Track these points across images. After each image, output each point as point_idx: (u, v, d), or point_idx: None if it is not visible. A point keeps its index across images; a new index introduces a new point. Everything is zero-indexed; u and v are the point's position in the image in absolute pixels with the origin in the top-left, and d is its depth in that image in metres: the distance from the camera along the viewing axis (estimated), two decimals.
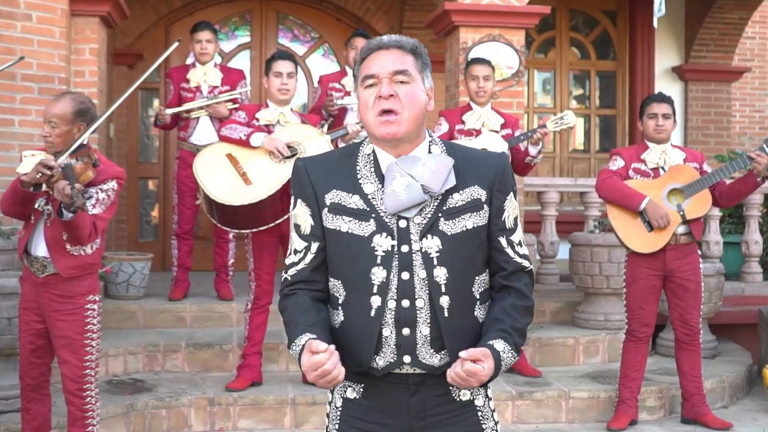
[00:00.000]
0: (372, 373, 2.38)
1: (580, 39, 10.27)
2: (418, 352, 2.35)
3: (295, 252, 2.46)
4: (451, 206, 2.38)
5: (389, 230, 2.35)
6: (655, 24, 7.37)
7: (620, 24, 10.28)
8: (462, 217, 2.38)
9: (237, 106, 6.72)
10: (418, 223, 2.36)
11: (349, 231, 2.38)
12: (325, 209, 2.41)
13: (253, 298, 5.70)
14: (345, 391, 2.47)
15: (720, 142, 10.17)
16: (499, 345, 2.34)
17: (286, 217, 5.45)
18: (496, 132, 6.02)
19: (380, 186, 2.39)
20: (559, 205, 8.09)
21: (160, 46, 9.28)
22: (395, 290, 2.34)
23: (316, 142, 5.53)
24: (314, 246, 2.43)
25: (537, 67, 10.19)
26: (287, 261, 2.48)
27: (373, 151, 2.44)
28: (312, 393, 5.61)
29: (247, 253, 5.73)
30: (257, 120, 5.63)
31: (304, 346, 2.26)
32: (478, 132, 6.02)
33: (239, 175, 5.45)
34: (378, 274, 2.34)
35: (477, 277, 2.42)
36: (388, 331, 2.34)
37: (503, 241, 2.44)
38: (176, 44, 5.40)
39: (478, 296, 2.42)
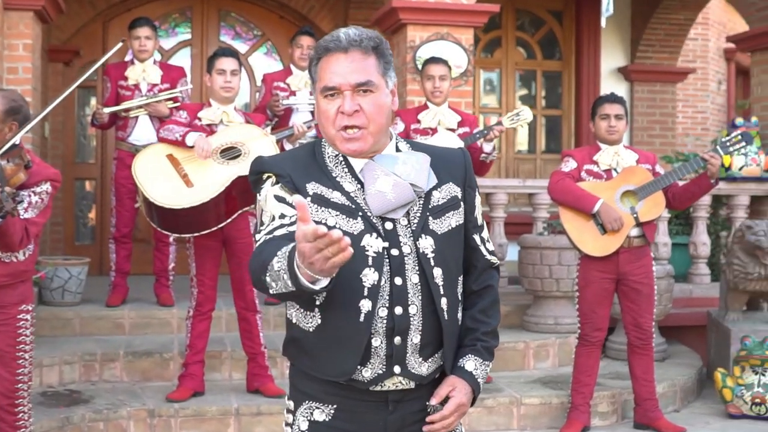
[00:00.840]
0: (354, 386, 2.22)
1: (526, 39, 10.20)
2: (407, 361, 2.21)
3: (264, 227, 2.20)
4: (435, 204, 2.27)
5: (378, 231, 2.19)
6: (603, 24, 7.29)
7: (566, 24, 10.23)
8: (447, 215, 2.28)
9: (178, 104, 6.50)
10: (405, 225, 2.23)
11: (338, 226, 2.16)
12: (309, 198, 2.20)
13: (195, 305, 5.48)
14: (311, 413, 2.27)
15: (665, 143, 10.18)
16: (470, 364, 2.29)
17: (230, 220, 5.26)
18: (453, 130, 5.88)
19: (359, 186, 2.22)
20: (506, 207, 7.98)
21: (97, 43, 9.01)
22: (387, 297, 2.18)
23: (260, 143, 5.34)
24: (286, 220, 2.16)
25: (482, 67, 10.08)
26: (256, 237, 2.24)
27: (340, 152, 2.27)
28: (257, 403, 5.41)
29: (189, 257, 5.51)
30: (199, 120, 5.42)
31: (290, 250, 1.95)
32: (434, 130, 5.88)
33: (180, 177, 5.23)
34: (369, 277, 2.16)
35: (459, 278, 2.33)
36: (378, 341, 2.18)
37: (477, 238, 2.39)
38: (120, 44, 5.18)
39: (460, 297, 2.33)
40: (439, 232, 2.25)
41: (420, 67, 6.79)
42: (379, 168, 2.22)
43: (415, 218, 2.24)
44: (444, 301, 2.23)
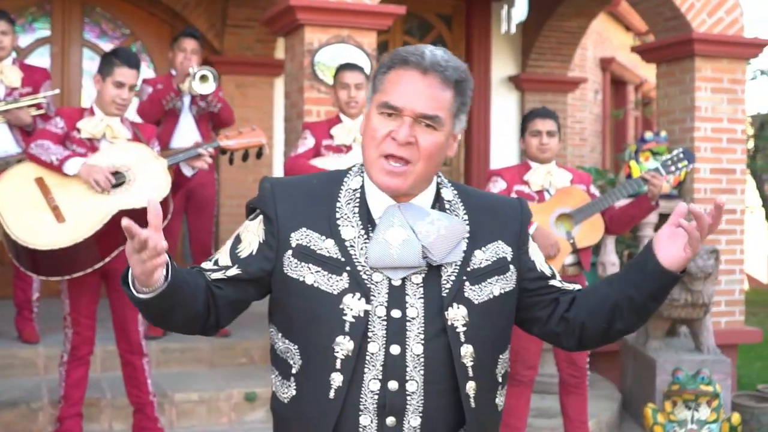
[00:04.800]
0: None
1: (415, 43, 9.64)
2: None
3: (215, 263, 2.01)
4: (475, 267, 1.96)
5: (365, 290, 1.89)
6: (512, 30, 6.82)
7: (456, 29, 9.73)
8: (489, 281, 1.97)
9: (42, 112, 5.65)
10: (418, 284, 1.91)
11: (315, 285, 1.91)
12: (289, 252, 1.94)
13: (70, 348, 4.66)
14: None
15: (558, 154, 9.80)
16: None
17: (108, 259, 4.46)
18: None
19: (363, 232, 1.94)
20: None
21: None
22: (381, 367, 1.88)
23: (149, 167, 4.53)
24: (232, 271, 1.98)
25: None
26: (203, 264, 2.04)
27: (362, 187, 1.99)
28: None
29: (62, 292, 4.69)
30: (78, 131, 4.60)
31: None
32: (349, 148, 5.25)
33: (50, 209, 4.39)
34: (344, 346, 1.88)
35: (501, 356, 2.02)
36: (367, 419, 1.89)
37: (556, 283, 2.11)
38: None
39: (500, 380, 2.02)
40: (476, 302, 1.93)
41: (319, 72, 6.16)
42: (400, 217, 1.93)
43: (447, 282, 1.92)
44: (471, 385, 1.92)
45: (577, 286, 2.16)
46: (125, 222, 1.68)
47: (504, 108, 9.73)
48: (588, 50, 11.60)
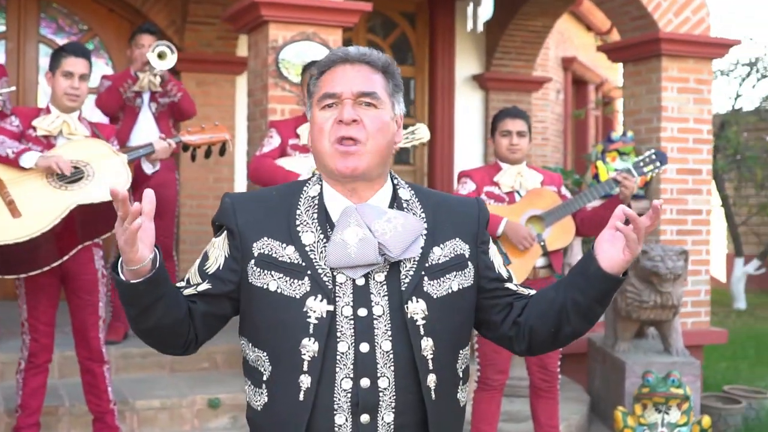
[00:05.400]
0: None
1: (378, 42, 9.54)
2: None
3: (187, 282, 2.06)
4: (433, 263, 2.00)
5: (326, 292, 1.94)
6: (479, 28, 6.73)
7: (420, 28, 9.63)
8: (447, 276, 2.01)
9: None
10: (381, 282, 1.96)
11: (279, 291, 1.96)
12: (252, 261, 1.99)
13: (28, 355, 4.50)
14: None
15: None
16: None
17: (66, 258, 4.31)
18: None
19: (322, 236, 1.99)
20: None
21: None
22: (351, 366, 1.91)
23: (109, 162, 4.40)
24: (202, 287, 2.03)
25: None
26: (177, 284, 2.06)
27: (320, 194, 2.04)
28: None
29: (19, 297, 4.52)
30: (34, 129, 4.44)
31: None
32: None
33: (5, 204, 4.24)
34: (309, 348, 1.92)
35: (461, 351, 2.05)
36: (341, 418, 1.92)
37: (511, 287, 2.13)
38: None
39: (461, 374, 2.05)
40: (435, 296, 1.97)
41: (284, 70, 6.03)
42: (356, 216, 1.96)
43: (406, 277, 1.97)
44: (432, 378, 1.95)
45: (532, 291, 2.17)
46: (111, 186, 1.78)
47: (468, 107, 9.65)
48: (550, 50, 11.58)
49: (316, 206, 2.02)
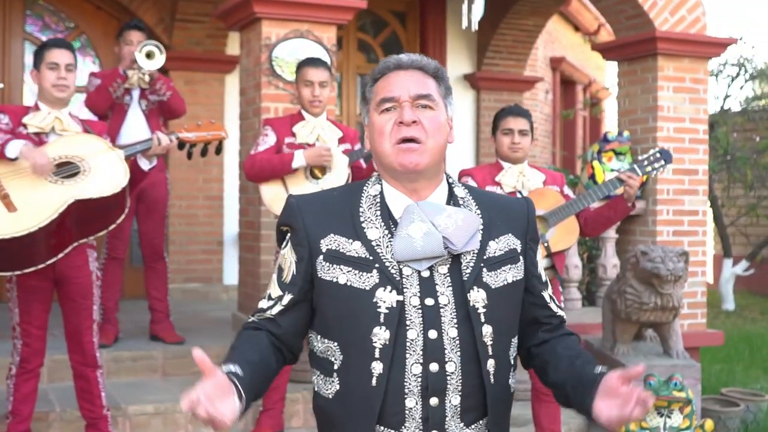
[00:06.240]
0: None
1: (369, 41, 9.44)
2: (447, 426, 2.05)
3: (269, 298, 2.18)
4: (490, 255, 2.12)
5: (394, 283, 2.05)
6: (474, 26, 6.65)
7: (410, 27, 9.54)
8: (503, 269, 2.13)
9: None
10: (444, 273, 2.07)
11: (348, 283, 2.07)
12: (321, 257, 2.10)
13: (19, 361, 4.37)
14: None
15: None
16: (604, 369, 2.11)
17: (61, 255, 4.19)
18: (334, 146, 5.03)
19: (386, 232, 2.10)
20: None
21: None
22: (421, 352, 2.02)
23: (105, 158, 4.28)
24: (287, 298, 2.14)
25: None
26: (259, 303, 2.20)
27: (381, 192, 2.15)
28: None
29: (10, 300, 4.39)
30: (25, 127, 4.31)
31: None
32: (312, 146, 5.01)
33: (0, 199, 4.12)
34: (380, 336, 2.02)
35: (513, 340, 2.17)
36: (412, 402, 2.03)
37: (546, 295, 2.24)
38: None
39: (512, 361, 2.17)
40: (493, 287, 2.09)
41: (277, 68, 5.93)
42: (419, 212, 2.08)
43: (467, 268, 2.09)
44: (491, 363, 2.07)
45: (560, 312, 2.26)
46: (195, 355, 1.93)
47: (459, 107, 9.56)
48: (539, 50, 11.51)
49: (378, 204, 2.13)
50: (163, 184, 6.16)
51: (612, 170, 7.05)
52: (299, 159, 4.86)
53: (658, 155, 4.83)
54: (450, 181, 2.21)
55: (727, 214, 13.45)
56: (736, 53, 12.71)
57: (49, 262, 4.19)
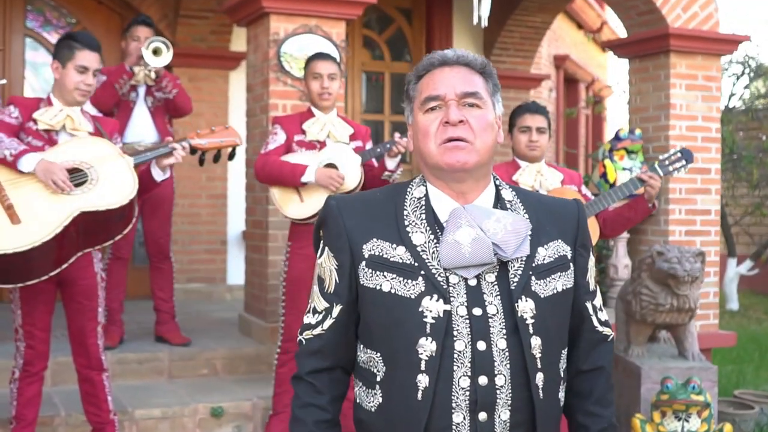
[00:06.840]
0: None
1: (374, 38, 9.32)
2: None
3: (314, 312, 2.09)
4: (539, 263, 2.01)
5: (441, 291, 1.95)
6: (484, 22, 6.53)
7: (416, 23, 9.42)
8: (552, 277, 2.02)
9: None
10: (492, 282, 1.97)
11: (393, 291, 1.97)
12: (363, 263, 2.01)
13: (23, 364, 4.24)
14: None
15: None
16: None
17: (65, 266, 4.05)
18: (345, 144, 4.91)
19: (432, 237, 2.00)
20: None
21: None
22: (469, 364, 1.92)
23: (113, 165, 4.11)
24: (336, 309, 2.05)
25: None
26: (304, 319, 2.11)
27: (426, 195, 2.04)
28: None
29: (12, 302, 4.27)
30: (35, 122, 4.17)
31: None
32: (323, 144, 4.89)
33: (3, 210, 3.96)
34: (426, 347, 1.92)
35: (563, 352, 2.06)
36: (459, 417, 1.92)
37: (589, 306, 2.13)
38: None
39: (562, 374, 2.06)
40: (543, 296, 1.99)
41: (286, 64, 5.81)
42: (466, 217, 1.97)
43: (515, 276, 1.98)
44: (540, 376, 1.97)
45: (607, 331, 2.17)
46: None
47: None
48: (543, 47, 11.40)
49: (423, 207, 2.03)
50: (169, 182, 6.03)
51: (624, 169, 6.94)
52: (309, 175, 4.74)
53: (679, 155, 4.71)
54: (497, 183, 2.11)
55: (732, 214, 13.36)
56: (741, 51, 12.61)
57: (52, 273, 4.05)
